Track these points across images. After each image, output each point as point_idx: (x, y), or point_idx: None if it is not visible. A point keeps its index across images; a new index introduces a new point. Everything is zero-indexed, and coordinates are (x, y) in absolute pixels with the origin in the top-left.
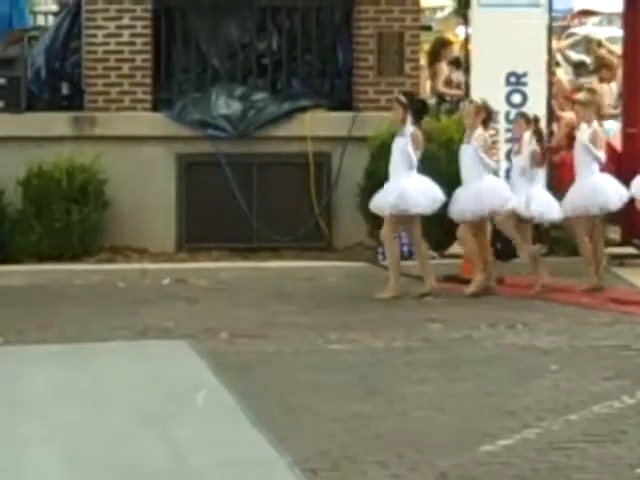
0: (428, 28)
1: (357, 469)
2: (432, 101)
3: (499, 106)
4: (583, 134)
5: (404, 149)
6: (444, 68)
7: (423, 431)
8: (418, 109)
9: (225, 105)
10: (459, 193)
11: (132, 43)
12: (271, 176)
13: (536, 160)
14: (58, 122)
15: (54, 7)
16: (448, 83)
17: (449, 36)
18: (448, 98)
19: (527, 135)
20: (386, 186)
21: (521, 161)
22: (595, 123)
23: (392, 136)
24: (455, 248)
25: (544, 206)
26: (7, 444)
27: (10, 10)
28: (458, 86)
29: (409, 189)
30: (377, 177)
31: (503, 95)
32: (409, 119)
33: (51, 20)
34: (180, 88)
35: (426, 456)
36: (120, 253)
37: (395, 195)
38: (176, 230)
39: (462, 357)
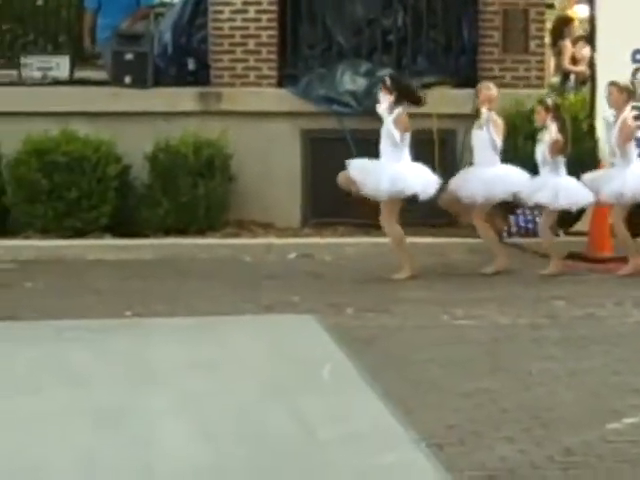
0: (551, 6)
1: (483, 444)
2: (557, 79)
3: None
4: None
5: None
6: (568, 45)
7: (549, 407)
8: (402, 92)
9: (350, 81)
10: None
11: (258, 19)
12: None
13: (554, 149)
14: (184, 97)
15: None
16: (573, 60)
17: (569, 13)
18: (573, 76)
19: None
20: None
21: (542, 149)
22: None
23: (519, 114)
24: (580, 225)
25: (573, 196)
26: (139, 416)
27: None
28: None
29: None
30: (501, 154)
31: (629, 72)
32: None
33: None
34: (305, 64)
35: (552, 432)
36: (245, 228)
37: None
38: (301, 205)
39: (587, 335)
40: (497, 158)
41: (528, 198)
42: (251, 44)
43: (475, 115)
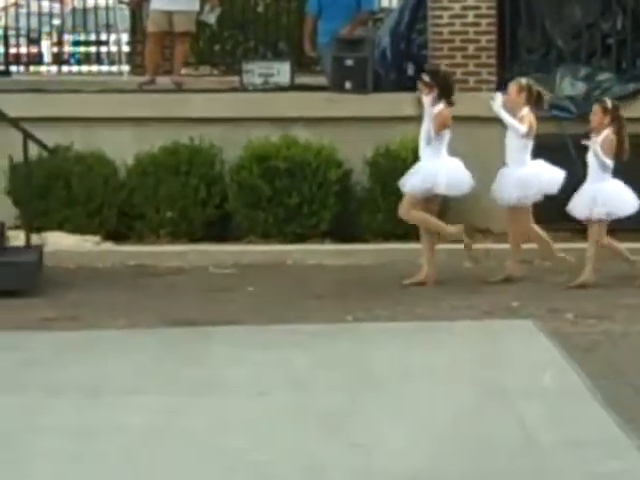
0: None
1: None
2: None
3: None
4: None
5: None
6: None
7: None
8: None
9: (570, 86)
10: None
11: (477, 24)
12: None
13: (603, 150)
14: (404, 102)
15: None
16: None
17: None
18: None
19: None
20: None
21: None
22: None
23: None
24: None
25: (610, 204)
26: (360, 419)
27: None
28: None
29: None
30: None
31: None
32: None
33: (395, 2)
34: (524, 69)
35: None
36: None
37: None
38: None
39: None
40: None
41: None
42: (470, 49)
43: None
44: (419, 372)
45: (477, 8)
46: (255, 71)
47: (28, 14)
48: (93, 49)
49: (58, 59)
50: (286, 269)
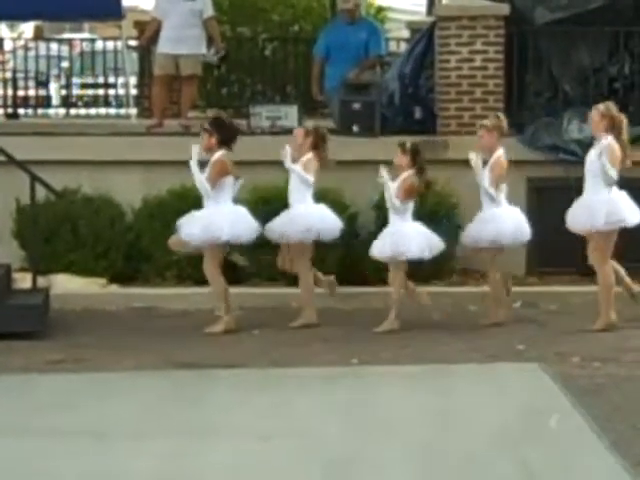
0: None
1: None
2: None
3: None
4: None
5: None
6: None
7: None
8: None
9: (577, 129)
10: None
11: (484, 68)
12: None
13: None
14: None
15: (405, 33)
16: None
17: None
18: None
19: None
20: None
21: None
22: None
23: None
24: None
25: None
26: (368, 466)
27: (368, 37)
28: None
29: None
30: None
31: None
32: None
33: (403, 46)
34: (531, 112)
35: None
36: (470, 276)
37: None
38: (527, 253)
39: None
40: None
41: None
42: (478, 92)
43: None
44: (425, 416)
45: (485, 52)
46: (262, 114)
47: (37, 56)
48: (101, 92)
49: (66, 102)
50: (292, 312)
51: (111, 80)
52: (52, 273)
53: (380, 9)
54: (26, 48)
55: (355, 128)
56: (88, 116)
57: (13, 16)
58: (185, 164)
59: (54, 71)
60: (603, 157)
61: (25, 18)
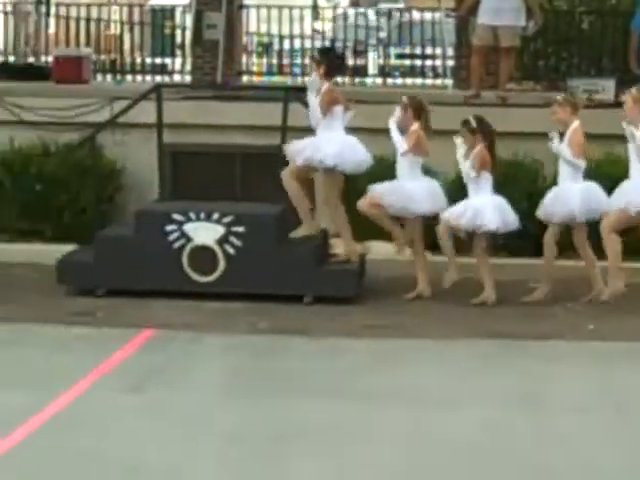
0: None
1: None
2: None
3: None
4: None
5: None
6: None
7: None
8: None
9: None
10: None
11: None
12: None
13: None
14: None
15: None
16: None
17: None
18: None
19: None
20: None
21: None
22: None
23: None
24: None
25: None
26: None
27: None
28: None
29: None
30: None
31: None
32: None
33: None
34: None
35: None
36: None
37: None
38: None
39: None
40: None
41: None
42: None
43: None
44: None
45: None
46: (580, 87)
47: (355, 26)
48: (418, 62)
49: (383, 71)
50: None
51: (428, 51)
52: (368, 240)
53: None
54: (345, 18)
55: None
56: (404, 86)
57: None
58: (498, 135)
59: (371, 41)
60: None
61: None
